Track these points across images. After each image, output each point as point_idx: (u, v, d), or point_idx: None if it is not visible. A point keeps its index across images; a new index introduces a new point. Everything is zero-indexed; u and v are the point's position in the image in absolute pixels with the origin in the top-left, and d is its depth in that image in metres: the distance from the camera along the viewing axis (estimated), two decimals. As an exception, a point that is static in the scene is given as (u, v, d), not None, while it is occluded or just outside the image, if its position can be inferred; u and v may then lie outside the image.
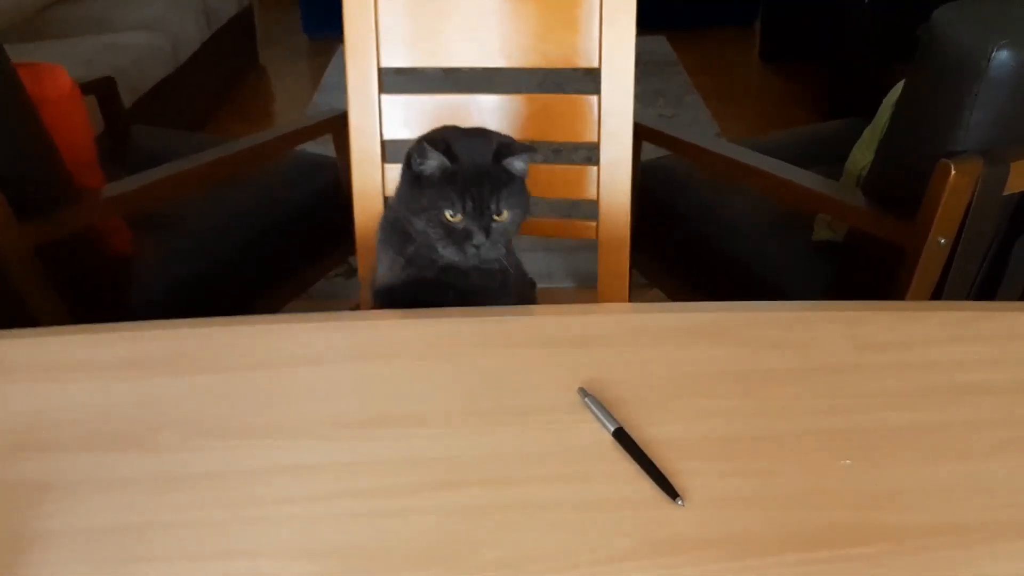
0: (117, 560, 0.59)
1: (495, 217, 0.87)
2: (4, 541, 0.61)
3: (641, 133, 1.62)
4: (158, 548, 0.60)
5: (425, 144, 0.85)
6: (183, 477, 0.66)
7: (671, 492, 0.64)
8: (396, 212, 0.92)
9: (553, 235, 1.23)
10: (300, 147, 1.78)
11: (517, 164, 0.89)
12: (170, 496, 0.64)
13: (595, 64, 1.14)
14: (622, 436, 0.69)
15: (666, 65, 3.93)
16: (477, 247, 0.86)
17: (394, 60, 1.15)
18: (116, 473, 0.66)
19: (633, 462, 0.67)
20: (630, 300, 1.25)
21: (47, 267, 1.30)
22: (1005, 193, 1.18)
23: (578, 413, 0.72)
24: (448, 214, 0.86)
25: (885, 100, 1.55)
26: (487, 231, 0.86)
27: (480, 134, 0.92)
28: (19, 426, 0.71)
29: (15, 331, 0.84)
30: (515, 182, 0.88)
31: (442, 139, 0.87)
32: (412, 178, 0.88)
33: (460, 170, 0.86)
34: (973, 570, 0.59)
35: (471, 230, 0.86)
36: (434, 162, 0.86)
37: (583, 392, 0.73)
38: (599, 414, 0.71)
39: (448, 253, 0.88)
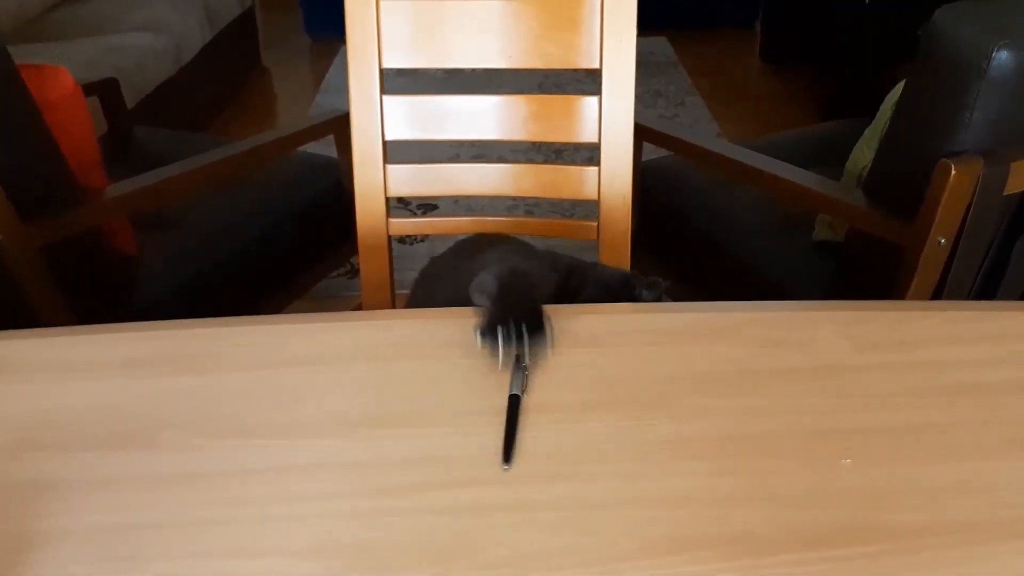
0: (117, 560, 0.60)
1: None
2: (4, 541, 0.61)
3: (641, 133, 1.63)
4: (159, 548, 0.60)
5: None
6: (185, 477, 0.66)
7: (506, 456, 0.67)
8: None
9: (553, 235, 1.23)
10: (302, 148, 1.78)
11: None
12: (171, 496, 0.65)
13: (596, 65, 1.14)
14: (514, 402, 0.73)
15: (667, 66, 3.93)
16: None
17: (396, 61, 1.16)
18: (117, 473, 0.67)
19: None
20: (631, 300, 1.25)
21: (51, 267, 1.30)
22: (1005, 193, 1.18)
23: (578, 412, 0.72)
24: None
25: (886, 100, 1.55)
26: None
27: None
28: (20, 426, 0.72)
29: (17, 331, 0.84)
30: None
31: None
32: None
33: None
34: (973, 570, 0.59)
35: None
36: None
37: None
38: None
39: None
